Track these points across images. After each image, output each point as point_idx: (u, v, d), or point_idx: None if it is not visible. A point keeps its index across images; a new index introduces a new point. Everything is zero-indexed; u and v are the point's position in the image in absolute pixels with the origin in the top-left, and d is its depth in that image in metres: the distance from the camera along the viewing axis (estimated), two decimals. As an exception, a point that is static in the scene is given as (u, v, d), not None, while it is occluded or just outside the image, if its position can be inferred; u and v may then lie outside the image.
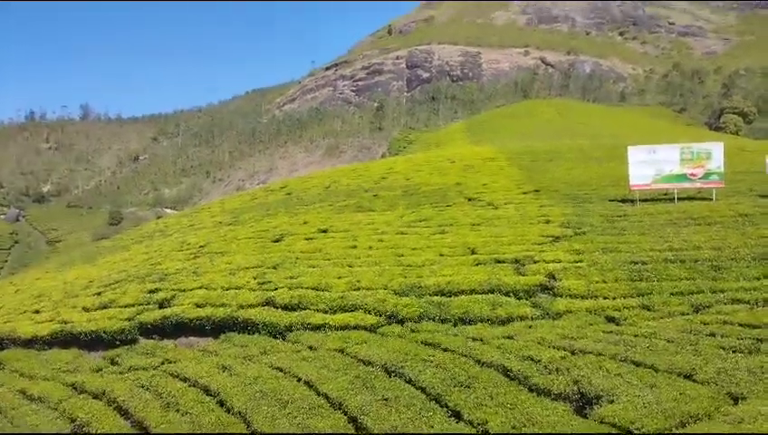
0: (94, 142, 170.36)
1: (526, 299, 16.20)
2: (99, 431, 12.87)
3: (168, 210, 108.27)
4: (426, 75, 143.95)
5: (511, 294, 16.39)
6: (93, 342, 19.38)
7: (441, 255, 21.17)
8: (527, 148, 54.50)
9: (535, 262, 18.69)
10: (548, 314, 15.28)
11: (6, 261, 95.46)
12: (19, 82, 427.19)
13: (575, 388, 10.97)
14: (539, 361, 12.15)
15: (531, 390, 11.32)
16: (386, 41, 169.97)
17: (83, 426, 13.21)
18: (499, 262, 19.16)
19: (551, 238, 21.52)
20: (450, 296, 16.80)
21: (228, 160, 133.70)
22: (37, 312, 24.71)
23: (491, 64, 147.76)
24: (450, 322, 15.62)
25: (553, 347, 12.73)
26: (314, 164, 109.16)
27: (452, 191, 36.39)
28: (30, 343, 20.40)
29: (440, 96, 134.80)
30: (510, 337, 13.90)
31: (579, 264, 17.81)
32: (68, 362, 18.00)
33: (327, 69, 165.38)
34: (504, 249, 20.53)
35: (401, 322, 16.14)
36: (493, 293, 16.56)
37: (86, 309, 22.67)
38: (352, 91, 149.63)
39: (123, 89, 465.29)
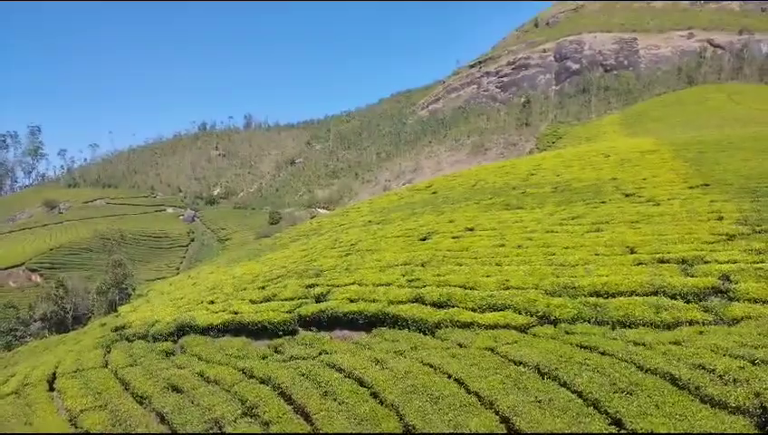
0: (256, 149, 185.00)
1: (696, 302, 14.80)
2: (265, 414, 13.92)
3: (321, 210, 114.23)
4: (576, 67, 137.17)
5: (677, 297, 15.07)
6: (259, 331, 21.06)
7: (596, 254, 20.07)
8: (694, 138, 49.78)
9: (706, 262, 17.01)
10: (722, 319, 13.83)
11: (184, 257, 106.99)
12: (193, 98, 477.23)
13: (756, 402, 9.83)
14: (712, 370, 11.05)
15: (703, 401, 10.34)
16: (532, 34, 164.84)
17: (253, 408, 14.38)
18: (663, 262, 17.72)
19: (724, 237, 19.46)
20: (607, 298, 15.87)
21: (375, 161, 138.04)
22: (212, 302, 27.36)
23: (649, 50, 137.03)
24: (608, 324, 14.75)
25: (729, 356, 11.51)
26: (459, 163, 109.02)
27: (607, 187, 34.35)
28: (206, 330, 22.64)
29: (592, 87, 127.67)
30: (677, 343, 12.80)
31: (759, 265, 15.88)
32: (238, 349, 19.71)
33: (471, 67, 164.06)
34: (669, 248, 18.93)
35: (554, 323, 15.57)
36: (656, 295, 15.35)
37: (253, 301, 24.69)
38: (497, 87, 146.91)
39: (280, 98, 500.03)
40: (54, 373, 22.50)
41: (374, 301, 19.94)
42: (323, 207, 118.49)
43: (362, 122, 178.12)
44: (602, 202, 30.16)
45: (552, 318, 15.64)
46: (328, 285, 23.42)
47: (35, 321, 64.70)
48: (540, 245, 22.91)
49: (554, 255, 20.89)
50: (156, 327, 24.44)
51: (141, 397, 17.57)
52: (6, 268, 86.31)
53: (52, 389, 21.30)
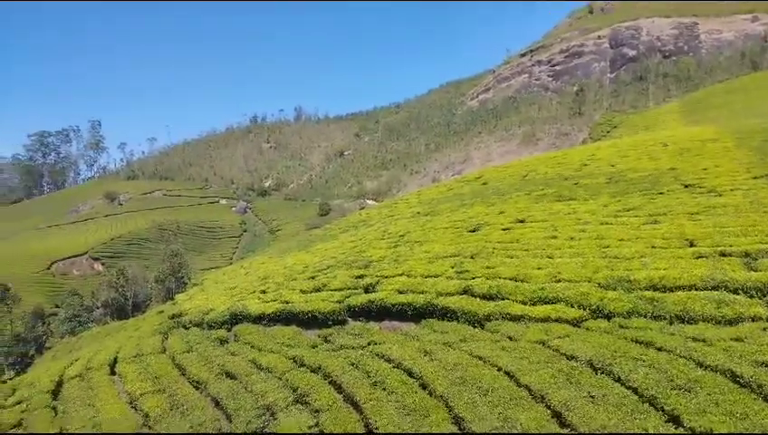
0: (306, 141, 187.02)
1: (759, 298, 14.13)
2: (316, 402, 14.14)
3: (370, 201, 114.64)
4: (632, 53, 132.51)
5: (740, 292, 14.43)
6: (309, 320, 21.38)
7: (653, 247, 19.43)
8: (758, 126, 47.40)
9: (772, 256, 16.23)
10: (788, 315, 13.18)
11: (237, 247, 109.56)
12: (246, 92, 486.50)
13: (826, 403, 9.35)
14: (778, 368, 10.57)
15: (766, 399, 9.91)
16: (586, 21, 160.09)
17: (304, 396, 14.64)
18: (724, 255, 16.99)
19: (791, 229, 18.50)
20: (665, 292, 15.34)
21: (424, 153, 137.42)
22: (263, 292, 27.93)
23: (710, 35, 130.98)
24: (665, 319, 14.27)
25: (796, 354, 10.98)
26: (510, 153, 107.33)
27: (665, 177, 33.15)
28: (258, 319, 23.14)
29: (649, 75, 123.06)
30: (739, 339, 12.27)
31: (830, 259, 15.04)
32: (289, 338, 20.08)
33: (522, 56, 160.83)
34: (731, 241, 18.13)
35: (608, 317, 15.18)
36: (717, 289, 14.74)
37: (303, 291, 25.07)
38: (549, 76, 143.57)
39: (330, 91, 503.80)
40: (116, 358, 23.47)
41: (423, 292, 19.93)
42: (372, 199, 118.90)
43: (411, 113, 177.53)
44: (660, 193, 29.13)
45: (606, 312, 15.25)
46: (377, 276, 23.54)
47: (98, 308, 67.62)
48: (593, 237, 22.36)
49: (608, 247, 20.34)
50: (210, 315, 25.13)
51: (197, 382, 18.14)
52: (71, 257, 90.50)
53: (113, 373, 22.25)
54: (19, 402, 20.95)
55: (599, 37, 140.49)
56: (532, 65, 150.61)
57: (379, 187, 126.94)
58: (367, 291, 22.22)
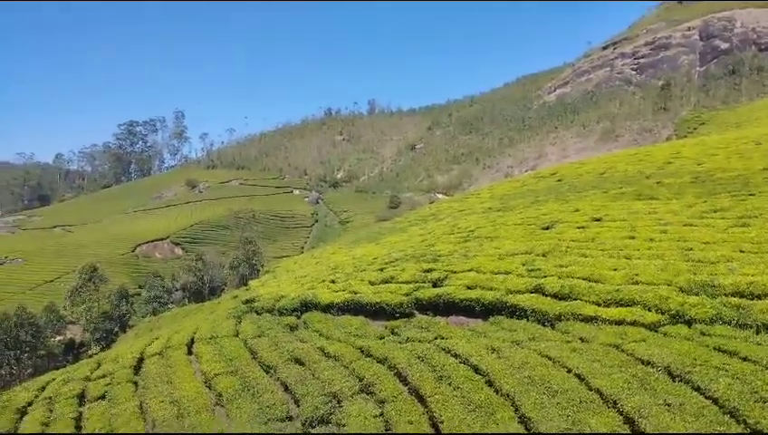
0: (378, 134, 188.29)
1: None
2: (381, 392, 14.26)
3: (440, 195, 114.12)
4: (724, 46, 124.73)
5: (838, 303, 13.37)
6: (377, 312, 21.56)
7: (741, 251, 18.28)
8: None
9: None
10: None
11: (308, 237, 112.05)
12: (320, 85, 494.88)
13: None
14: None
15: None
16: (674, 12, 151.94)
17: (369, 386, 14.80)
18: (822, 263, 15.77)
19: None
20: (752, 299, 14.42)
21: (497, 147, 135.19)
22: (333, 282, 28.38)
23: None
24: (751, 328, 13.42)
25: None
26: (587, 150, 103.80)
27: (757, 178, 31.09)
28: (327, 308, 23.54)
29: (742, 68, 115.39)
30: (835, 354, 11.38)
31: None
32: (357, 328, 20.33)
33: (604, 48, 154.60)
34: (830, 248, 16.81)
35: (688, 323, 14.43)
36: (813, 299, 13.72)
37: (371, 283, 25.29)
38: (633, 69, 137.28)
39: (403, 84, 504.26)
40: (193, 338, 24.53)
41: (492, 289, 19.66)
42: (442, 193, 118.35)
43: (485, 107, 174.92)
44: (750, 194, 27.35)
45: (687, 318, 14.51)
46: (445, 271, 23.41)
47: (177, 290, 71.03)
48: (675, 238, 21.30)
49: (692, 250, 19.32)
50: (281, 302, 25.79)
51: (268, 366, 18.70)
52: (154, 241, 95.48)
53: (190, 352, 23.27)
54: (104, 376, 22.29)
55: (688, 29, 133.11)
56: (615, 58, 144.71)
57: (450, 181, 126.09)
58: (435, 285, 22.15)
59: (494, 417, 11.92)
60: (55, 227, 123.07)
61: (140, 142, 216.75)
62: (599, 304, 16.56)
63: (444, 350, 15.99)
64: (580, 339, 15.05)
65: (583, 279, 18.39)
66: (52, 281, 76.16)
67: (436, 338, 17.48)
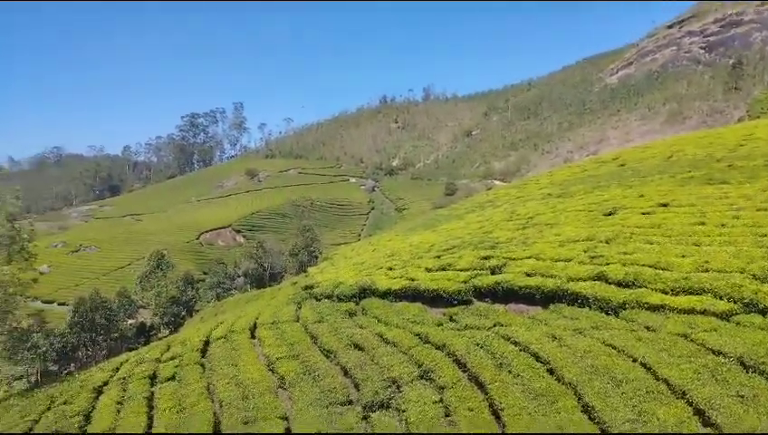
0: (433, 121, 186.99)
1: None
2: (440, 379, 14.30)
3: (498, 182, 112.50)
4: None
5: None
6: (434, 299, 21.57)
7: (822, 237, 17.25)
8: None
9: None
10: None
11: (365, 224, 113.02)
12: (376, 72, 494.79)
13: None
14: None
15: None
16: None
17: (428, 372, 14.87)
18: None
19: None
20: (835, 288, 13.61)
21: (556, 132, 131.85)
22: (390, 268, 28.55)
23: None
24: (834, 319, 12.68)
25: None
26: (652, 133, 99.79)
27: (840, 160, 29.18)
28: (385, 294, 23.73)
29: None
30: None
31: None
32: (415, 315, 20.41)
33: (670, 27, 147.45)
34: None
35: (763, 312, 13.76)
36: None
37: (428, 270, 25.30)
38: (701, 48, 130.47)
39: (459, 69, 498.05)
40: (255, 323, 25.26)
41: (552, 276, 19.31)
42: (499, 179, 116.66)
43: (542, 91, 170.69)
44: (833, 177, 25.72)
45: (762, 307, 13.84)
46: (503, 258, 23.14)
47: (239, 276, 73.14)
48: (748, 224, 20.28)
49: (766, 236, 18.37)
50: (340, 288, 26.18)
51: (328, 351, 19.06)
52: (216, 229, 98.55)
53: (253, 336, 23.98)
54: (173, 358, 23.29)
55: (762, 4, 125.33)
56: (682, 37, 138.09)
57: (507, 167, 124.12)
58: (493, 272, 21.94)
59: (556, 405, 11.76)
60: (125, 216, 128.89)
61: (202, 133, 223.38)
62: (666, 293, 16.01)
63: (503, 337, 15.87)
64: (647, 328, 14.61)
65: (649, 266, 17.80)
66: (123, 267, 79.92)
67: (494, 325, 17.36)
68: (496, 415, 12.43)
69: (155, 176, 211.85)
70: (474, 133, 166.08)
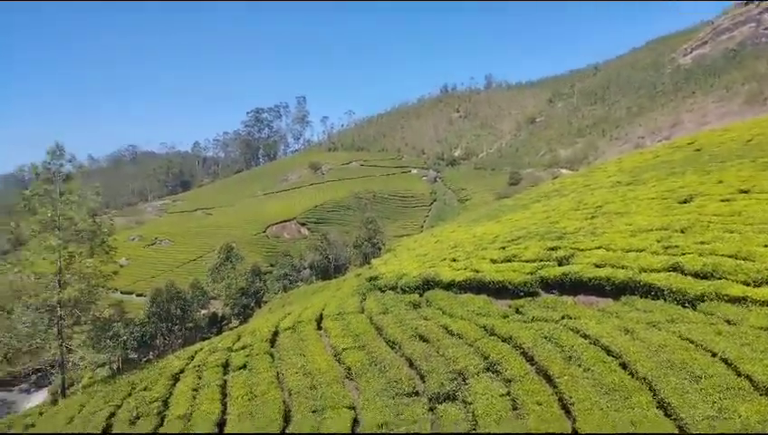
0: (495, 109, 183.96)
1: None
2: (507, 371, 14.11)
3: (564, 170, 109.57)
4: None
5: None
6: (500, 290, 21.29)
7: None
8: None
9: None
10: None
11: (427, 216, 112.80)
12: (437, 62, 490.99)
13: None
14: None
15: None
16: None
17: (495, 364, 14.72)
18: None
19: None
20: None
21: (625, 117, 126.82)
22: (454, 260, 28.40)
23: None
24: None
25: None
26: (730, 115, 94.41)
27: None
28: (449, 286, 23.63)
29: None
30: None
31: None
32: (480, 307, 20.22)
33: (747, 3, 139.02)
34: None
35: None
36: None
37: (493, 261, 24.99)
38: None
39: (521, 56, 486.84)
40: (321, 314, 25.74)
41: (623, 267, 18.65)
42: (566, 168, 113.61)
43: (610, 75, 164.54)
44: None
45: None
46: (571, 249, 22.56)
47: (305, 268, 74.67)
48: (841, 211, 18.91)
49: None
50: (404, 280, 26.26)
51: (393, 342, 19.19)
52: (282, 222, 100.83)
53: (319, 327, 24.45)
54: (244, 347, 24.07)
55: None
56: (761, 13, 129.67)
57: (574, 154, 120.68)
58: (560, 263, 21.43)
59: (630, 401, 11.38)
60: (196, 210, 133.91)
61: (266, 128, 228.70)
62: (747, 284, 15.17)
63: (572, 330, 15.49)
64: (727, 321, 13.90)
65: (729, 257, 16.91)
66: (195, 260, 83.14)
67: (563, 318, 16.96)
68: (566, 410, 12.15)
69: (223, 171, 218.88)
70: (538, 121, 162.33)
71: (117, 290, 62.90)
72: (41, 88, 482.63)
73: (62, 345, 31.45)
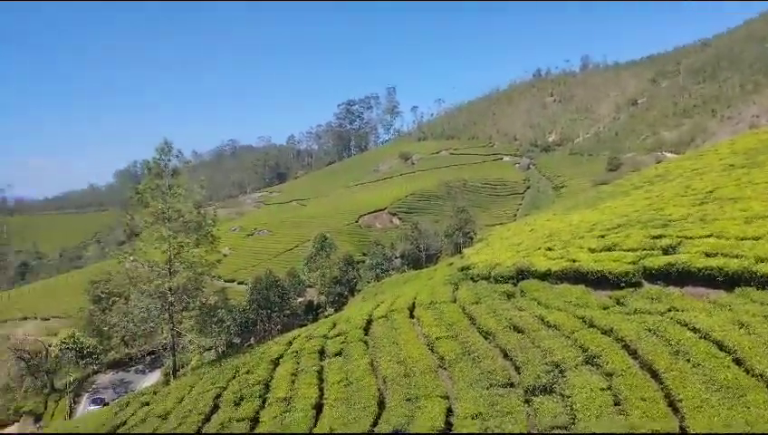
0: (592, 91, 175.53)
1: None
2: (608, 365, 13.56)
3: (668, 154, 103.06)
4: None
5: None
6: (599, 281, 20.44)
7: None
8: None
9: None
10: None
11: (521, 204, 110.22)
12: (529, 46, 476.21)
13: None
14: None
15: None
16: None
17: (594, 357, 14.18)
18: None
19: None
20: None
21: (738, 95, 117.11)
22: (549, 249, 27.58)
23: None
24: None
25: None
26: None
27: None
28: (544, 276, 22.99)
29: None
30: None
31: None
32: (577, 297, 19.52)
33: None
34: None
35: None
36: None
37: (591, 250, 24.03)
38: None
39: (620, 35, 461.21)
40: (413, 303, 25.92)
41: (737, 256, 17.29)
42: (671, 151, 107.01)
43: (720, 51, 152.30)
44: None
45: None
46: (678, 237, 21.23)
47: (396, 257, 75.37)
48: None
49: None
50: (497, 270, 25.87)
51: (486, 332, 18.98)
52: (373, 212, 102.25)
53: (412, 316, 24.63)
54: (339, 335, 24.73)
55: None
56: None
57: (680, 137, 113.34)
58: (666, 252, 20.23)
59: (744, 399, 10.58)
60: (291, 201, 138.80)
61: (357, 120, 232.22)
62: None
63: (679, 323, 14.61)
64: None
65: None
66: (291, 249, 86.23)
67: (669, 310, 16.02)
68: (673, 407, 11.49)
69: (316, 163, 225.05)
70: (640, 102, 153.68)
71: (220, 278, 66.45)
72: (153, 89, 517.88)
73: (172, 329, 33.74)
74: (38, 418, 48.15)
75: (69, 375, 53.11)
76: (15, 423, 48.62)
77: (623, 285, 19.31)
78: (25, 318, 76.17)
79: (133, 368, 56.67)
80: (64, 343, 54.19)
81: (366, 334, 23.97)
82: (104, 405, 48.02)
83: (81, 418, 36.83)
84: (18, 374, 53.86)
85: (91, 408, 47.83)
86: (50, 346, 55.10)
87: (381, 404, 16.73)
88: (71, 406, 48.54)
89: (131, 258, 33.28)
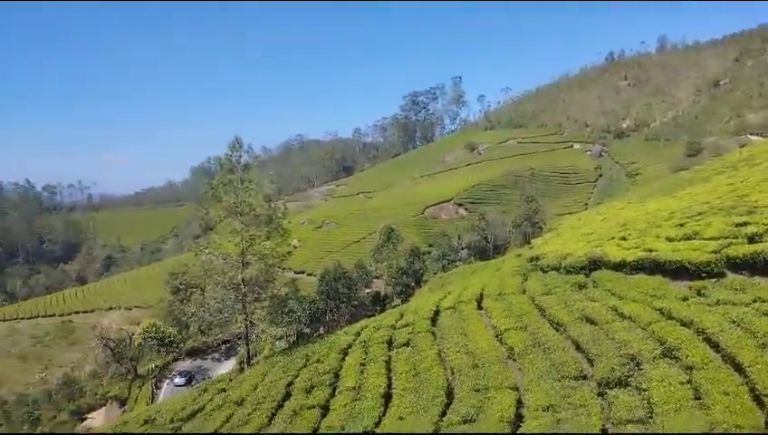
0: (670, 73, 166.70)
1: None
2: (687, 358, 12.97)
3: (754, 137, 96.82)
4: None
5: None
6: (677, 271, 19.56)
7: None
8: None
9: None
10: None
11: (592, 192, 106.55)
12: (601, 29, 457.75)
13: None
14: None
15: None
16: None
17: (673, 350, 13.60)
18: None
19: None
20: None
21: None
22: (623, 239, 26.63)
23: None
24: None
25: None
26: None
27: None
28: (618, 266, 22.20)
29: None
30: None
31: None
32: (654, 288, 18.73)
33: None
34: None
35: None
36: None
37: (669, 239, 23.02)
38: None
39: (701, 11, 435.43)
40: (481, 294, 25.67)
41: (834, 245, 16.13)
42: (756, 134, 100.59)
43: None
44: None
45: None
46: (764, 224, 19.99)
47: (462, 248, 74.81)
48: None
49: None
50: (568, 260, 25.20)
51: (557, 324, 18.56)
52: (439, 203, 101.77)
53: (479, 307, 24.42)
54: (406, 325, 24.84)
55: None
56: None
57: (766, 119, 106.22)
58: (751, 241, 19.11)
59: (843, 398, 9.87)
60: (357, 193, 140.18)
61: (423, 111, 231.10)
62: None
63: (766, 314, 13.78)
64: None
65: None
66: (358, 241, 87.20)
67: (754, 301, 15.14)
68: (759, 402, 10.88)
69: (381, 155, 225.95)
70: (722, 83, 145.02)
71: (290, 269, 68.17)
72: (227, 88, 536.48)
73: (246, 319, 34.93)
74: (123, 403, 51.10)
75: (151, 362, 56.10)
76: (102, 407, 51.85)
77: (704, 275, 18.41)
78: (111, 308, 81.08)
79: (210, 356, 59.12)
80: (146, 331, 57.29)
81: (433, 325, 23.97)
82: (190, 379, 50.78)
83: (162, 402, 38.76)
84: (104, 361, 57.47)
85: (178, 380, 50.67)
86: (133, 335, 58.46)
87: (450, 394, 16.70)
88: (152, 391, 51.21)
89: (207, 251, 34.64)
